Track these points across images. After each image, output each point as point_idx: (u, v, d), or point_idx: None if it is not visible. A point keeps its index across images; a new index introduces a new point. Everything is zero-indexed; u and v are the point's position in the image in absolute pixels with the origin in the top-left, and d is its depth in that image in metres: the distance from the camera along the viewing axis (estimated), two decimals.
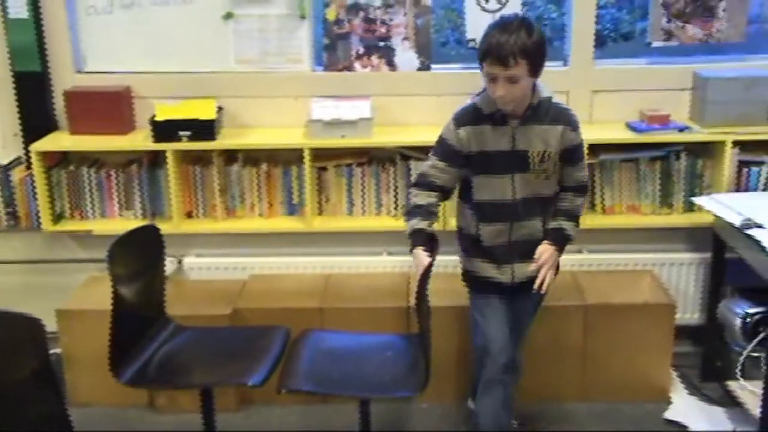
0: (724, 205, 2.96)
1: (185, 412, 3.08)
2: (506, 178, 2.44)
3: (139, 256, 2.59)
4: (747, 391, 2.85)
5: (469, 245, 2.60)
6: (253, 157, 3.33)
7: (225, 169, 3.31)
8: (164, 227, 2.72)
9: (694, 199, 3.19)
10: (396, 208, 3.33)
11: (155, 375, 2.49)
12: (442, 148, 2.46)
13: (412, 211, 2.47)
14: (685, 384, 3.24)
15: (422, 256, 2.36)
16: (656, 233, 3.38)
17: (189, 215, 3.35)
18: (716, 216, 2.98)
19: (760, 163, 3.21)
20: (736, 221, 2.78)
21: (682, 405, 3.11)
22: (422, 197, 2.47)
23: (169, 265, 3.28)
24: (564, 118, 2.41)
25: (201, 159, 3.30)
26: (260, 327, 2.81)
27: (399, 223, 3.32)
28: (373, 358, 2.58)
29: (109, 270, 2.38)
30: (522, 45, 2.23)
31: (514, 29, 2.24)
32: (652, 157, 3.26)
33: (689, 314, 3.41)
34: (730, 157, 3.14)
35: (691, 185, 3.28)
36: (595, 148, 3.20)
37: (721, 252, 3.14)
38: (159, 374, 2.49)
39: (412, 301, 2.92)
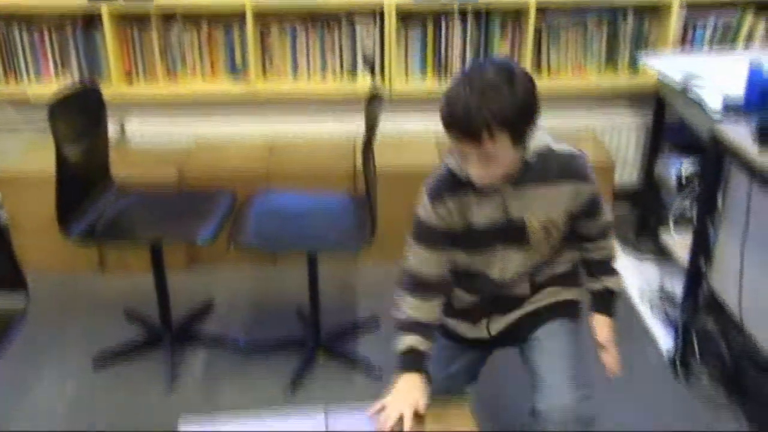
0: (667, 63, 2.99)
1: (135, 273, 3.11)
2: (495, 255, 1.81)
3: (81, 115, 2.53)
4: (678, 244, 2.98)
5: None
6: (193, 17, 3.22)
7: (164, 30, 3.19)
8: (103, 89, 2.64)
9: (638, 54, 3.21)
10: (342, 69, 3.29)
11: (104, 232, 2.50)
12: (422, 232, 1.79)
13: (405, 326, 1.79)
14: (620, 241, 3.37)
15: (406, 391, 1.71)
16: (600, 98, 3.41)
17: (128, 75, 3.26)
18: (659, 75, 3.01)
19: (706, 23, 3.22)
20: (678, 77, 2.82)
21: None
22: (416, 307, 1.79)
23: (112, 130, 3.21)
24: (573, 172, 1.74)
25: (139, 20, 3.17)
26: (206, 190, 2.81)
27: (344, 87, 3.30)
28: (321, 216, 2.62)
29: (51, 128, 2.31)
30: (499, 111, 1.54)
31: (489, 85, 1.54)
32: (599, 17, 3.25)
33: (628, 176, 3.52)
34: (676, 16, 3.15)
35: (637, 45, 3.30)
36: (543, 10, 3.17)
37: (661, 113, 3.20)
38: (108, 232, 2.50)
39: (359, 164, 2.93)
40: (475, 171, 1.64)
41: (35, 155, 3.21)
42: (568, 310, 1.90)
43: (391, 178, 3.04)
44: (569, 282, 1.92)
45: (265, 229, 2.53)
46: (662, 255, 3.13)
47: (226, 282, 3.17)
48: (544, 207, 1.75)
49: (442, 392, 1.90)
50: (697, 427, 2.39)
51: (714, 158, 2.39)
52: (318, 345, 2.72)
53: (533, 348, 1.88)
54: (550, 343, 1.87)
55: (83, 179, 2.55)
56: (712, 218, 2.47)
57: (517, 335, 1.92)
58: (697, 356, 2.59)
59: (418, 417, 1.66)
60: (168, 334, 2.75)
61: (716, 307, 2.61)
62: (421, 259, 1.80)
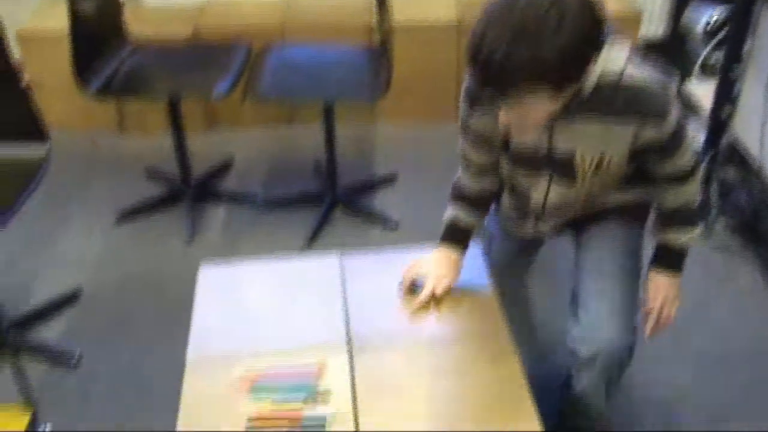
0: None
1: (154, 133, 3.13)
2: (537, 180, 1.56)
3: None
4: (702, 94, 2.89)
5: None
6: None
7: None
8: None
9: None
10: None
11: (121, 87, 2.49)
12: (467, 132, 1.56)
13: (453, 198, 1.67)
14: None
15: (436, 264, 1.61)
16: None
17: None
18: None
19: None
20: None
21: None
22: (464, 207, 1.65)
23: None
24: (643, 108, 1.36)
25: None
26: (221, 44, 2.77)
27: None
28: (337, 68, 2.58)
29: None
30: (533, 62, 1.18)
31: (525, 23, 1.16)
32: None
33: (654, 29, 3.40)
34: None
35: None
36: None
37: None
38: (125, 86, 2.50)
39: (375, 19, 2.86)
40: (505, 120, 1.35)
41: (51, 12, 3.16)
42: (628, 211, 1.64)
43: (408, 33, 2.98)
44: (631, 184, 1.61)
45: (280, 81, 2.51)
46: (686, 108, 3.07)
47: (244, 142, 3.17)
48: (599, 143, 1.42)
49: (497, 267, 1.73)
50: (713, 276, 2.41)
51: None
52: (335, 200, 2.75)
53: (585, 255, 1.64)
54: (601, 264, 1.61)
55: (98, 35, 2.53)
56: (739, 64, 2.39)
57: (572, 226, 1.71)
58: (716, 207, 2.58)
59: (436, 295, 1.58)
60: (188, 191, 2.79)
61: (737, 158, 2.58)
62: (468, 159, 1.60)
